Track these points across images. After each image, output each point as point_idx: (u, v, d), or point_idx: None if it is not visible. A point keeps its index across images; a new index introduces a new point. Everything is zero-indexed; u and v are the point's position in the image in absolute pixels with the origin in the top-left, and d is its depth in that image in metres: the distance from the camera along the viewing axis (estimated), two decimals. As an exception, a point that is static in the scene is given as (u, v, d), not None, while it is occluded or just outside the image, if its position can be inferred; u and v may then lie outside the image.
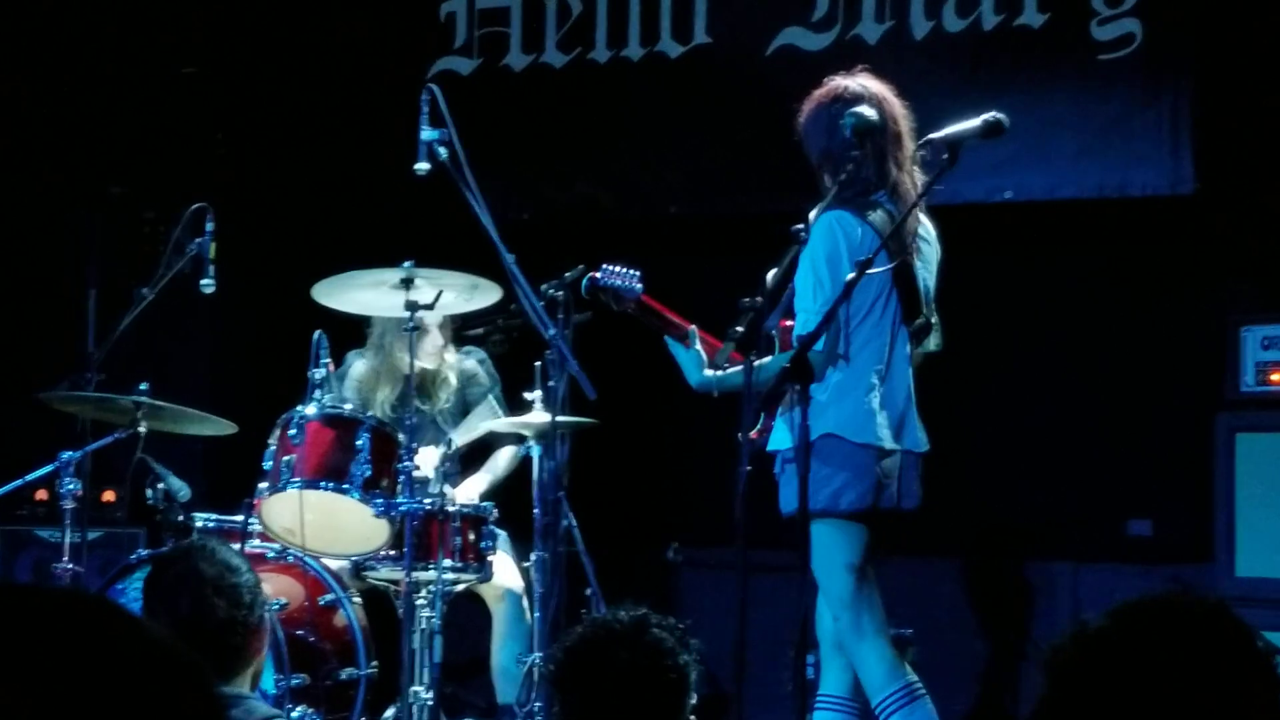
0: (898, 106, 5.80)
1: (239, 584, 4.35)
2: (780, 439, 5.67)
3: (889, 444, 5.60)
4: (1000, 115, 5.32)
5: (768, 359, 5.53)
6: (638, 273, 6.08)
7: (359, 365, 7.49)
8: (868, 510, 5.57)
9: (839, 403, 5.59)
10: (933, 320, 5.86)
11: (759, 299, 5.23)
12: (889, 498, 5.60)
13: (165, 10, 9.22)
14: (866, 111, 5.62)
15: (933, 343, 5.91)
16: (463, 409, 7.44)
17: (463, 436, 7.22)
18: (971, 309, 7.83)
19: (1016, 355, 7.96)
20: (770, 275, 5.40)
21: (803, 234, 5.37)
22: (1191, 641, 1.94)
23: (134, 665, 1.36)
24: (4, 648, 1.33)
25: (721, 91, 8.06)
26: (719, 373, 5.74)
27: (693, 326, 5.91)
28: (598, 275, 6.04)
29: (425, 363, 7.17)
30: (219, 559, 4.38)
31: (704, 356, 5.84)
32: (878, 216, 5.64)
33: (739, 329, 5.22)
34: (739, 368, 5.45)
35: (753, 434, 5.61)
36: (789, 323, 5.70)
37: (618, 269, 6.06)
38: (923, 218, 5.80)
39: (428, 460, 6.85)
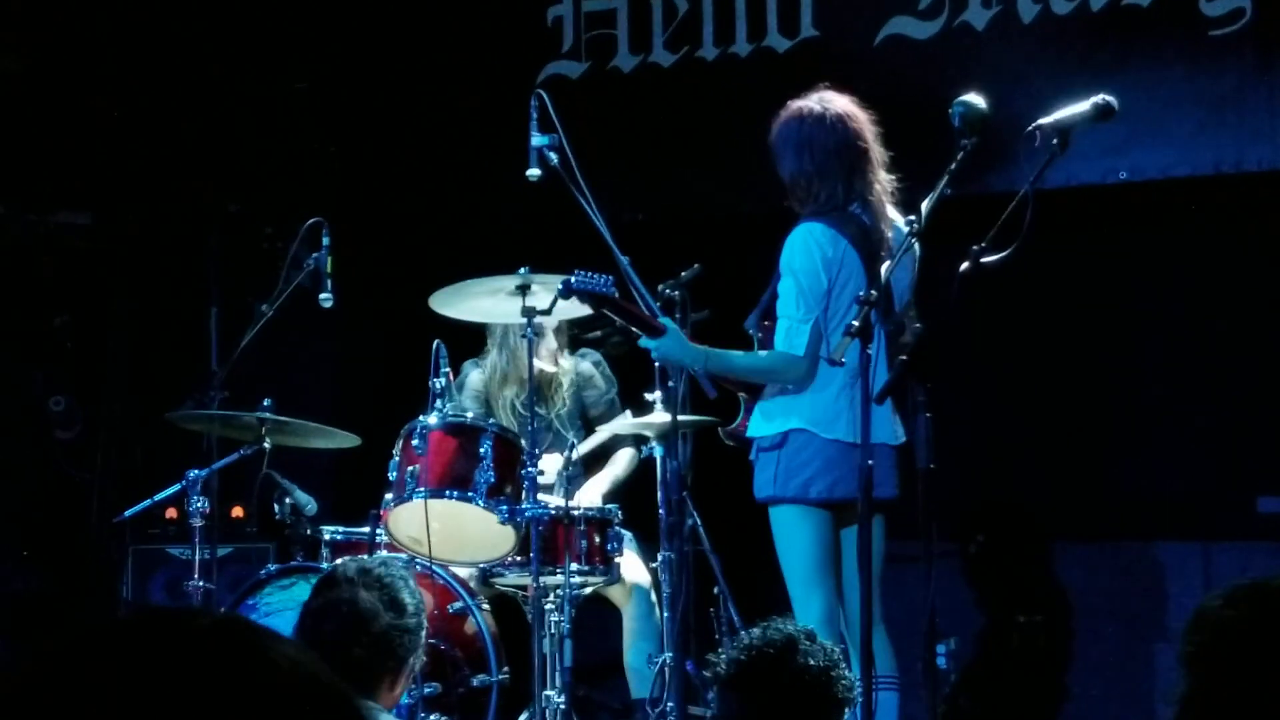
0: (863, 120, 6.06)
1: (393, 626, 4.33)
2: (756, 426, 6.03)
3: (856, 439, 5.66)
4: (1110, 98, 5.31)
5: (730, 351, 6.03)
6: (610, 277, 6.20)
7: (476, 375, 7.51)
8: (835, 500, 5.84)
9: (811, 399, 5.91)
10: (909, 319, 5.94)
11: (874, 292, 5.31)
12: (859, 487, 5.64)
13: (277, 27, 9.30)
14: (974, 100, 5.61)
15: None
16: (580, 412, 7.46)
17: (589, 442, 7.26)
18: (1092, 290, 7.79)
19: (1138, 334, 7.88)
20: (884, 268, 5.50)
21: (915, 226, 5.43)
22: None
23: (278, 694, 1.37)
24: (153, 677, 1.35)
25: (831, 84, 8.03)
26: (709, 348, 6.06)
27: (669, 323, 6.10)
28: (572, 280, 6.11)
29: (542, 366, 7.19)
30: (385, 596, 4.36)
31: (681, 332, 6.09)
32: (851, 227, 5.92)
33: (854, 322, 5.23)
34: (731, 351, 6.03)
35: (737, 424, 6.19)
36: (768, 324, 6.04)
37: (590, 274, 6.14)
38: (897, 220, 5.88)
39: (550, 466, 6.88)
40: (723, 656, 3.88)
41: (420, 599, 4.62)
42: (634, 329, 6.14)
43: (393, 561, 5.04)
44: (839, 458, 5.83)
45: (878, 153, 5.97)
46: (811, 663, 3.74)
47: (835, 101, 6.03)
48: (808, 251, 5.86)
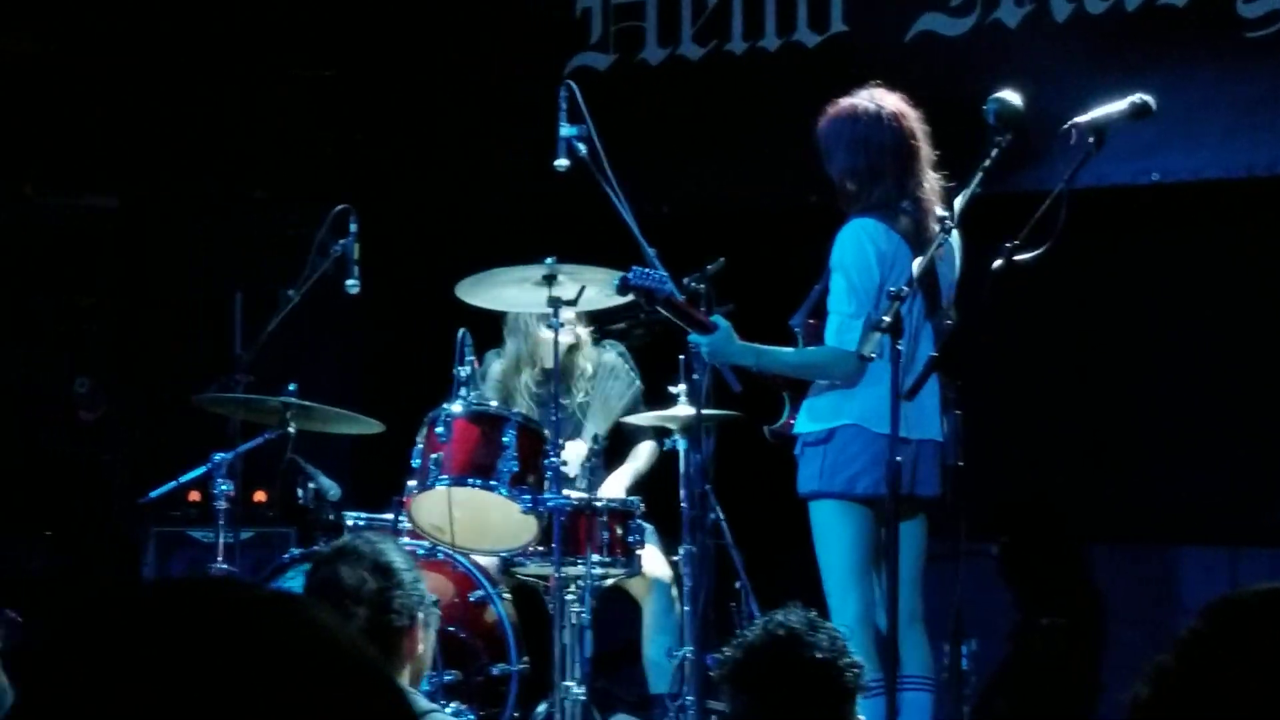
0: (914, 118, 5.97)
1: (384, 588, 4.33)
2: (804, 423, 5.95)
3: (907, 435, 5.64)
4: (1147, 97, 5.30)
5: (780, 348, 5.95)
6: (666, 274, 6.15)
7: (497, 365, 7.51)
8: (881, 496, 5.66)
9: (862, 395, 5.81)
10: (951, 317, 5.92)
11: (905, 288, 5.30)
12: (903, 485, 5.61)
13: (305, 14, 9.30)
14: (1010, 97, 5.60)
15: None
16: (602, 402, 7.45)
17: (606, 423, 7.26)
18: (1123, 291, 7.76)
19: (1169, 336, 7.86)
20: (916, 264, 5.50)
21: (948, 223, 5.43)
22: None
23: (327, 666, 1.37)
24: (196, 645, 1.34)
25: (860, 80, 8.00)
26: (758, 345, 5.99)
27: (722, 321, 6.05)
28: (629, 276, 6.07)
29: (561, 352, 7.19)
30: (365, 564, 4.36)
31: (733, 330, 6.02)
32: (903, 223, 5.83)
33: (885, 318, 5.23)
34: (781, 348, 5.94)
35: (782, 422, 6.08)
36: (813, 321, 5.97)
37: (647, 271, 6.10)
38: (944, 216, 5.83)
39: (574, 456, 6.87)
40: (726, 654, 3.86)
41: (408, 556, 4.61)
42: (685, 326, 6.10)
43: (369, 532, 5.03)
44: (887, 453, 5.73)
45: (927, 151, 5.93)
46: (817, 655, 3.72)
47: (888, 99, 5.98)
48: (860, 247, 5.80)
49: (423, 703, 4.33)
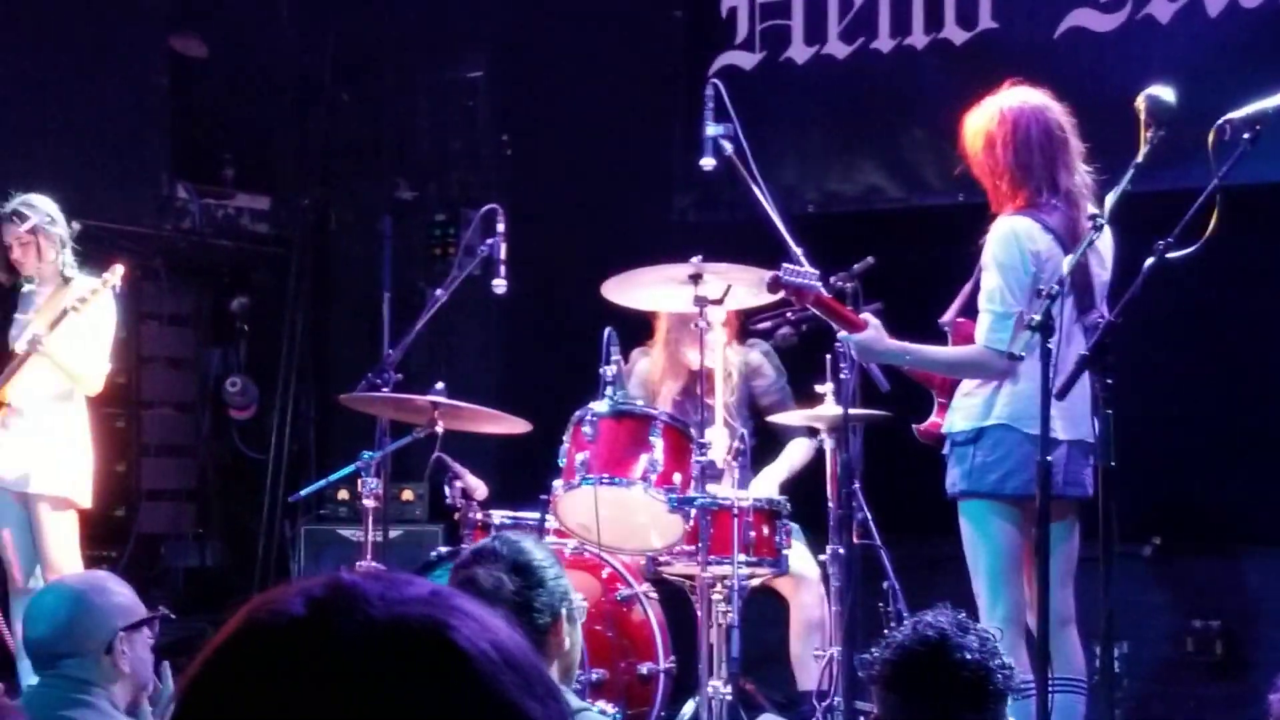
0: (1062, 113, 5.91)
1: (523, 588, 4.33)
2: (953, 422, 5.92)
3: (1057, 434, 5.60)
4: (1304, 92, 5.20)
5: (930, 347, 5.91)
6: (817, 272, 6.08)
7: (644, 363, 7.52)
8: (1031, 496, 5.55)
9: (1012, 394, 5.77)
10: (1103, 315, 5.82)
11: (1056, 286, 5.26)
12: (1053, 485, 5.53)
13: (451, 16, 9.36)
14: (1163, 93, 5.53)
15: None
16: (749, 401, 7.44)
17: (751, 421, 7.25)
18: (1276, 292, 7.63)
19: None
20: (1067, 261, 5.45)
21: (1099, 220, 5.38)
22: None
23: (490, 668, 1.38)
24: (361, 650, 1.35)
25: (1009, 76, 7.94)
26: (908, 344, 5.93)
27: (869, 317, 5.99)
28: (780, 274, 6.03)
29: (708, 359, 7.18)
30: (503, 565, 4.37)
31: (882, 328, 5.96)
32: (1054, 219, 5.78)
33: (1036, 316, 5.18)
34: (931, 346, 5.92)
35: (930, 422, 6.06)
36: (962, 320, 5.94)
37: (799, 268, 6.06)
38: (1095, 213, 5.74)
39: (718, 456, 6.86)
40: (876, 656, 3.84)
41: (550, 552, 4.60)
42: (835, 324, 6.07)
43: (509, 532, 5.03)
44: (1037, 453, 5.63)
45: (1076, 147, 5.87)
46: (969, 657, 3.69)
47: (1035, 96, 5.93)
48: (1012, 245, 5.74)
49: (574, 700, 4.33)
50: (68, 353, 7.42)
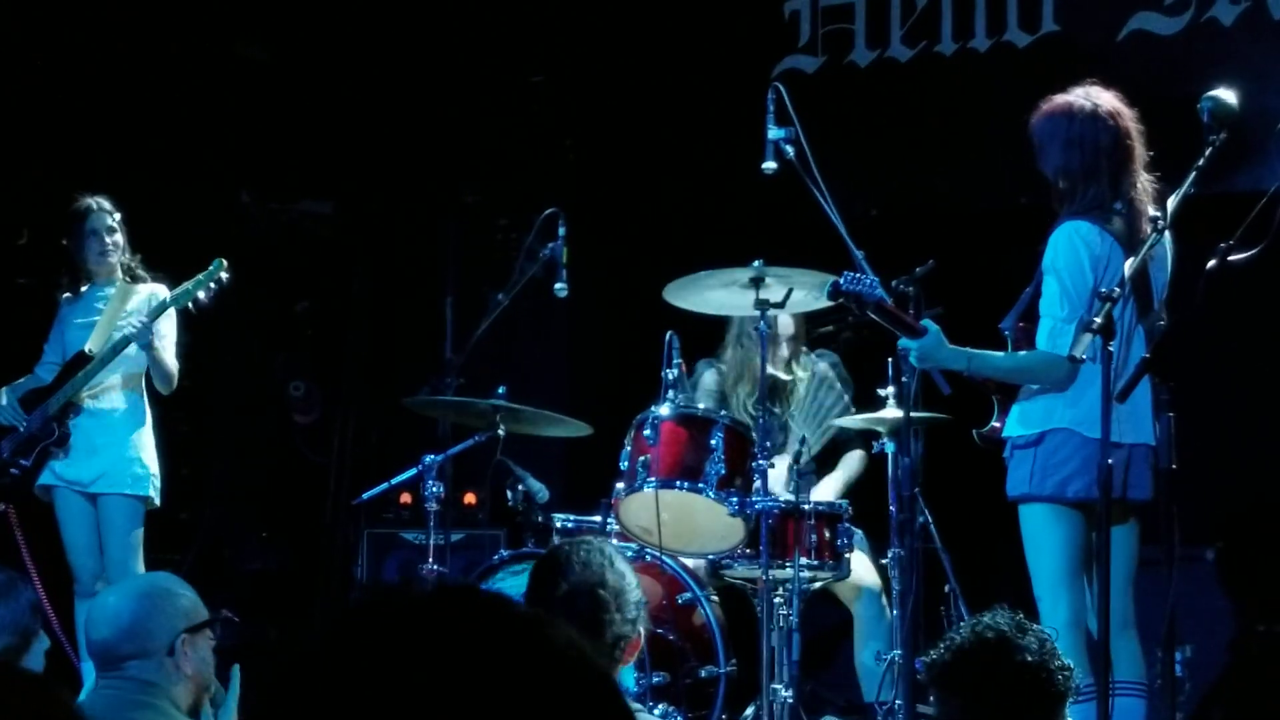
0: (1129, 117, 5.83)
1: (593, 608, 4.33)
2: (1013, 426, 5.85)
3: (1119, 438, 5.55)
4: (1367, 95, 5.17)
5: (990, 352, 5.83)
6: (877, 279, 6.07)
7: (710, 375, 7.51)
8: (1093, 500, 5.53)
9: (1073, 398, 5.70)
10: (1164, 318, 5.79)
11: (1117, 290, 5.23)
12: (1114, 489, 5.50)
13: (513, 20, 9.39)
14: (1224, 96, 5.51)
15: None
16: (815, 411, 7.43)
17: (815, 432, 7.25)
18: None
19: None
20: (1128, 264, 5.43)
21: (1161, 223, 5.35)
22: None
23: (565, 681, 1.40)
24: (441, 659, 1.38)
25: (1071, 80, 7.91)
26: (969, 349, 5.87)
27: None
28: (840, 281, 6.02)
29: (775, 371, 7.18)
30: (578, 577, 4.36)
31: (942, 334, 5.91)
32: (1116, 224, 5.72)
33: (1098, 319, 5.16)
34: (992, 351, 5.82)
35: (991, 427, 5.97)
36: (1023, 324, 5.87)
37: (858, 276, 6.05)
38: (1156, 216, 5.70)
39: (782, 466, 6.86)
40: (934, 657, 3.84)
41: (626, 568, 4.57)
42: (895, 330, 6.06)
43: (582, 544, 5.00)
44: (1099, 457, 5.58)
45: (1141, 151, 5.82)
46: (1028, 658, 3.69)
47: (1104, 97, 5.86)
48: (1073, 250, 5.70)
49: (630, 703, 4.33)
50: (170, 348, 7.41)
